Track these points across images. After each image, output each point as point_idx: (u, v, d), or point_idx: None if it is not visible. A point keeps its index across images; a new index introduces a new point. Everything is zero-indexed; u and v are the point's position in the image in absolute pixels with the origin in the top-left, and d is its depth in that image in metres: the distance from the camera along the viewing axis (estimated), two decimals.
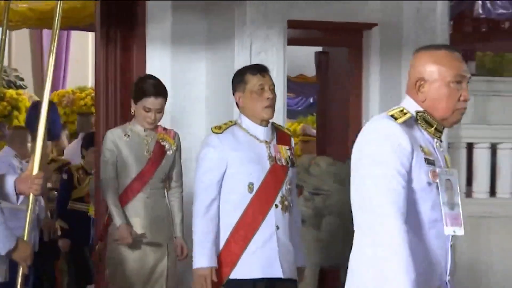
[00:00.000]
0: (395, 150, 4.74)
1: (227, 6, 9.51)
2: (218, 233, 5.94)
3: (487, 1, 11.63)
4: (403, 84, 9.10)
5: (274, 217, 5.88)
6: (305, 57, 14.46)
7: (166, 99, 7.45)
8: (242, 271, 5.88)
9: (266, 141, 6.01)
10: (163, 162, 7.25)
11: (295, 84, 16.36)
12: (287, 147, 6.06)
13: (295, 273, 6.14)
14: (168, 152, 7.30)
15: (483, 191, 10.83)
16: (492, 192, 10.88)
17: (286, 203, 5.93)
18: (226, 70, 9.06)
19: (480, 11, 11.78)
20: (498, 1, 11.54)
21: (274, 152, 5.96)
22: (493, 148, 10.99)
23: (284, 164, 6.02)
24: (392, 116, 4.87)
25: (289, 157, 6.07)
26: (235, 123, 6.09)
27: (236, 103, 6.27)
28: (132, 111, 7.33)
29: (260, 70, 6.24)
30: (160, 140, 7.28)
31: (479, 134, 10.88)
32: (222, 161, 5.93)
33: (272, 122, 6.24)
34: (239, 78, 6.24)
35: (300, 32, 10.44)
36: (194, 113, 9.18)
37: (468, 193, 10.79)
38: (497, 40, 15.13)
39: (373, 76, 9.97)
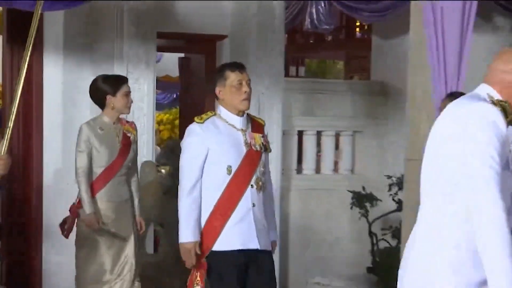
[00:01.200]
0: (497, 135, 4.91)
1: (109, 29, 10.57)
2: (200, 211, 6.36)
3: (315, 18, 12.85)
4: (256, 88, 10.26)
5: (250, 196, 6.32)
6: (171, 61, 16.13)
7: None
8: (222, 243, 6.28)
9: (242, 129, 6.44)
10: (130, 151, 7.77)
11: (162, 83, 17.68)
12: (260, 135, 6.51)
13: (270, 245, 6.61)
14: (132, 143, 7.86)
15: (310, 168, 12.43)
16: (318, 169, 12.47)
17: (260, 183, 6.42)
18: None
19: (309, 26, 13.00)
20: (323, 18, 12.80)
21: (249, 139, 6.42)
22: (318, 135, 12.49)
23: (258, 149, 6.46)
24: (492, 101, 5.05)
25: (262, 143, 6.52)
26: (215, 114, 6.48)
27: (216, 96, 6.60)
28: (111, 104, 7.65)
29: (239, 67, 6.59)
30: (126, 132, 7.76)
31: (307, 124, 12.34)
32: (204, 147, 6.32)
33: (247, 113, 6.63)
34: (219, 74, 6.58)
35: (167, 42, 11.77)
36: (82, 120, 8.93)
37: (299, 170, 12.34)
38: (322, 49, 16.52)
39: None
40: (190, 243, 6.26)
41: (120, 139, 7.74)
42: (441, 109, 8.17)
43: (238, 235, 6.36)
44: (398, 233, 10.34)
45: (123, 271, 7.88)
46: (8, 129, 5.63)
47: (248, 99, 6.52)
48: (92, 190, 7.69)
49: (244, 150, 6.42)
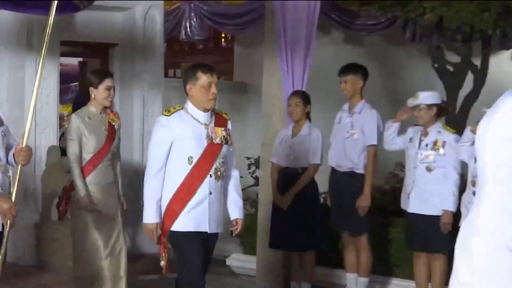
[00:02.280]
0: None
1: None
2: (161, 195, 6.12)
3: (189, 30, 12.73)
4: (141, 86, 10.79)
5: (208, 184, 6.07)
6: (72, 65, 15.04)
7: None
8: (179, 225, 6.05)
9: (205, 124, 6.15)
10: (115, 138, 7.38)
11: None
12: (223, 128, 6.24)
13: (221, 227, 6.36)
14: (117, 131, 7.46)
15: None
16: None
17: (219, 173, 6.15)
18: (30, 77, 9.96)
19: (184, 36, 12.85)
20: (195, 30, 12.72)
21: (211, 133, 6.14)
22: None
23: (219, 142, 6.18)
24: None
25: (224, 136, 6.23)
26: (182, 108, 6.20)
27: (186, 92, 6.27)
28: (93, 95, 7.26)
29: (210, 70, 6.34)
30: (111, 121, 7.35)
31: None
32: (169, 137, 6.06)
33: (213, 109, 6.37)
34: (192, 73, 6.27)
35: (69, 48, 11.69)
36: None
37: None
38: (194, 55, 16.00)
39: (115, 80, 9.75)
40: (153, 224, 6.11)
41: (106, 127, 7.37)
42: (289, 104, 8.80)
43: (193, 218, 6.15)
44: (255, 203, 10.31)
45: (116, 248, 7.51)
46: (28, 123, 5.54)
47: (215, 99, 6.37)
48: (82, 174, 7.34)
49: (205, 143, 6.19)
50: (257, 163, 11.06)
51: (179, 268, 6.27)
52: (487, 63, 11.46)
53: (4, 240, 5.23)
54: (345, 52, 11.37)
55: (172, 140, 6.08)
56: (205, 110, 6.23)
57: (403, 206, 8.42)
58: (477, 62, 11.39)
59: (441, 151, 8.13)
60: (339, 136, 8.78)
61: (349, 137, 8.70)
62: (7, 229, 5.23)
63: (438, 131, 8.24)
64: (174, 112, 6.18)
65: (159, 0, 11.57)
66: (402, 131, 8.46)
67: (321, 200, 9.31)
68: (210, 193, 6.14)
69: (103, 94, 7.23)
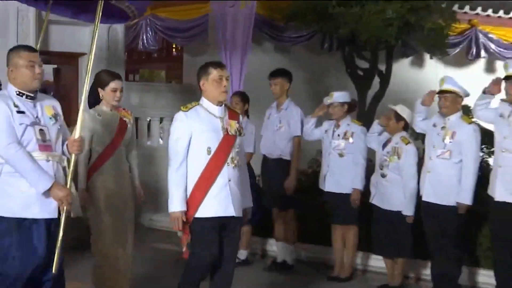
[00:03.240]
0: None
1: None
2: (186, 185, 5.67)
3: (145, 41, 12.45)
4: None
5: (226, 172, 5.65)
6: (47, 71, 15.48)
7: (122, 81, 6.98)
8: (203, 211, 5.61)
9: (220, 117, 5.73)
10: (126, 132, 6.84)
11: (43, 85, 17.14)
12: (236, 121, 5.82)
13: (241, 213, 5.92)
14: (128, 125, 6.93)
15: (145, 142, 12.22)
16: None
17: (235, 161, 5.74)
18: None
19: (141, 47, 12.57)
20: (151, 42, 12.49)
21: (226, 125, 5.73)
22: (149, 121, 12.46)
23: (233, 134, 5.77)
24: None
25: (237, 128, 5.82)
26: (198, 104, 5.80)
27: (200, 88, 5.87)
28: (101, 95, 6.74)
29: (220, 65, 5.94)
30: (122, 117, 6.86)
31: (142, 112, 12.15)
32: (188, 131, 5.63)
33: (224, 104, 5.93)
34: (204, 70, 5.84)
35: (45, 57, 11.11)
36: None
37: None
38: (150, 63, 16.24)
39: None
40: (178, 212, 5.63)
41: (117, 123, 6.81)
42: (230, 102, 8.64)
43: (215, 204, 5.68)
44: None
45: (127, 233, 6.92)
46: (80, 116, 5.20)
47: (227, 92, 5.96)
48: (96, 164, 6.75)
49: (221, 134, 5.74)
50: None
51: (194, 252, 5.76)
52: (391, 68, 11.63)
53: (61, 226, 4.91)
54: (274, 59, 11.45)
55: (191, 133, 5.67)
56: (219, 103, 5.81)
57: (320, 186, 8.49)
58: (383, 67, 11.55)
59: (350, 140, 8.23)
60: (269, 129, 8.85)
61: (277, 130, 8.77)
62: (63, 216, 4.92)
63: (348, 124, 8.35)
64: (191, 108, 5.80)
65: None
66: (320, 124, 8.51)
67: (257, 182, 9.30)
68: (229, 180, 5.73)
69: (110, 95, 6.77)
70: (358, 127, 8.37)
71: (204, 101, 5.84)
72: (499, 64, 13.20)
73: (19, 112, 4.82)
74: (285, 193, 8.63)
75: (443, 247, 7.42)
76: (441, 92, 7.49)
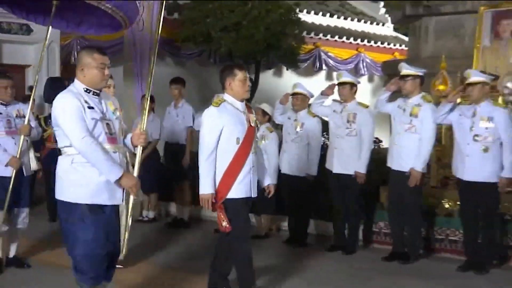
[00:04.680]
0: None
1: None
2: (215, 171, 5.08)
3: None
4: None
5: (251, 159, 5.16)
6: None
7: None
8: (235, 193, 5.10)
9: (243, 112, 5.19)
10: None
11: None
12: (253, 115, 5.31)
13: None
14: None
15: None
16: None
17: (256, 150, 5.31)
18: None
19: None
20: None
21: (248, 118, 5.21)
22: None
23: (254, 125, 5.26)
24: None
25: (255, 121, 5.33)
26: (224, 100, 5.19)
27: (224, 86, 5.22)
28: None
29: (244, 68, 5.36)
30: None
31: None
32: (220, 124, 5.05)
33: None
34: (230, 71, 5.21)
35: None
36: None
37: None
38: None
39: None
40: (208, 194, 5.06)
41: None
42: (141, 104, 8.64)
43: (243, 188, 5.14)
44: None
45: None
46: (144, 110, 4.69)
47: (249, 91, 5.41)
48: None
49: (246, 126, 5.17)
50: None
51: (236, 226, 5.19)
52: (258, 77, 11.78)
53: (129, 211, 4.36)
54: (173, 70, 11.37)
55: (222, 126, 5.07)
56: (242, 100, 5.25)
57: None
58: (252, 76, 11.62)
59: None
60: (170, 121, 8.84)
61: (175, 122, 8.77)
62: (131, 202, 4.37)
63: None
64: (220, 103, 5.18)
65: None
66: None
67: (161, 160, 9.25)
68: (252, 166, 5.21)
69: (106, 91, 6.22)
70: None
71: (229, 97, 5.21)
72: (335, 74, 13.58)
73: (89, 107, 4.22)
74: (182, 168, 8.63)
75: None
76: (294, 94, 7.60)
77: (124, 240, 4.33)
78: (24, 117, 5.94)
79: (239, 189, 5.11)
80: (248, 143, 5.16)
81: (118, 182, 4.19)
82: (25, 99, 7.18)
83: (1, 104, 5.83)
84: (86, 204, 4.16)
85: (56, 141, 7.10)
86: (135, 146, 4.47)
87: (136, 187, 4.28)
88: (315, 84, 11.02)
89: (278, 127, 8.21)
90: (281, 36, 10.97)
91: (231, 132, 5.06)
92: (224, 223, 5.13)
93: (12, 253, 6.23)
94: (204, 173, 5.08)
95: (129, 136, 4.47)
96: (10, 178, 5.73)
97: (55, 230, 7.61)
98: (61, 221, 4.32)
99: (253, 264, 5.30)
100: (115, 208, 4.32)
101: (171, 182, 8.98)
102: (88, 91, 4.29)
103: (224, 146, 5.07)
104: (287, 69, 13.10)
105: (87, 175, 4.16)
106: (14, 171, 5.72)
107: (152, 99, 8.99)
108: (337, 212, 7.33)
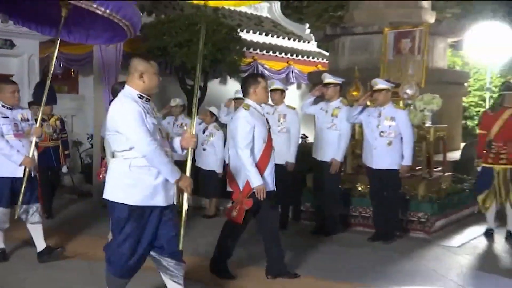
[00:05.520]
0: None
1: None
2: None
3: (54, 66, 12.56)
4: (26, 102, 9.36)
5: (272, 155, 4.93)
6: None
7: None
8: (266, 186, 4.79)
9: (263, 115, 5.01)
10: None
11: None
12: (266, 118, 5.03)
13: None
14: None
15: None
16: None
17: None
18: None
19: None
20: (56, 67, 11.02)
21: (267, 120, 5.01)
22: None
23: (269, 127, 5.01)
24: None
25: (268, 123, 5.04)
26: (250, 105, 4.88)
27: (248, 93, 4.91)
28: None
29: (264, 76, 5.13)
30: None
31: None
32: (252, 125, 4.77)
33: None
34: (254, 79, 4.93)
35: None
36: None
37: None
38: (57, 81, 15.75)
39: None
40: (262, 185, 4.76)
41: None
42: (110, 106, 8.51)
43: (269, 181, 4.89)
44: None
45: None
46: (194, 114, 4.29)
47: (269, 96, 5.22)
48: None
49: (267, 127, 4.95)
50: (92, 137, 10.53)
51: (265, 216, 4.97)
52: (207, 84, 11.81)
53: (185, 208, 3.96)
54: None
55: (253, 127, 4.80)
56: (262, 105, 5.00)
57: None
58: (202, 84, 11.64)
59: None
60: None
61: None
62: (185, 199, 3.97)
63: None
64: (249, 108, 4.88)
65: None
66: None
67: None
68: (273, 162, 4.97)
69: None
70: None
71: (252, 103, 4.91)
72: (270, 83, 13.71)
73: (147, 112, 3.78)
74: None
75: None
76: (236, 98, 7.68)
77: (181, 236, 3.92)
78: (28, 120, 5.52)
79: (267, 183, 4.86)
80: (270, 142, 4.94)
81: (168, 183, 3.80)
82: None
83: (8, 108, 5.38)
84: (139, 206, 3.75)
85: (50, 140, 7.42)
86: (184, 149, 4.03)
87: (191, 186, 3.90)
88: None
89: (223, 126, 8.32)
90: (226, 51, 11.11)
91: (259, 133, 4.80)
92: (234, 213, 4.86)
93: (40, 247, 5.59)
94: (251, 169, 4.74)
95: (177, 139, 4.05)
96: (21, 178, 5.26)
97: (51, 225, 7.06)
98: (112, 220, 3.87)
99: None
100: (171, 207, 3.89)
101: None
102: (141, 97, 3.84)
103: (254, 145, 4.80)
104: (230, 78, 13.16)
105: (143, 178, 3.73)
106: (27, 170, 5.25)
107: None
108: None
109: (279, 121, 7.15)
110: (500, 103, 6.73)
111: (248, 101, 4.94)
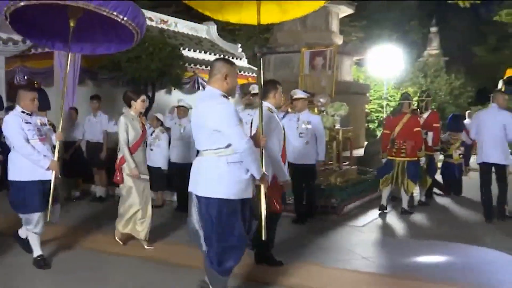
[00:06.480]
0: None
1: None
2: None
3: (17, 78, 10.94)
4: None
5: (286, 154, 4.58)
6: None
7: None
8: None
9: (280, 118, 4.63)
10: (146, 132, 5.45)
11: None
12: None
13: None
14: (146, 127, 5.58)
15: None
16: None
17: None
18: None
19: (16, 82, 10.87)
20: (20, 79, 10.98)
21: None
22: None
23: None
24: None
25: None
26: (271, 108, 4.48)
27: (268, 97, 4.48)
28: (134, 106, 5.28)
29: (280, 83, 4.68)
30: (142, 121, 5.39)
31: None
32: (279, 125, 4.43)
33: None
34: (274, 86, 4.54)
35: None
36: None
37: None
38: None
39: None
40: (289, 179, 4.43)
41: (140, 125, 5.34)
42: (70, 112, 8.19)
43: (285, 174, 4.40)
44: None
45: (147, 201, 5.41)
46: (259, 118, 3.82)
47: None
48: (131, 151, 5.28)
49: (282, 129, 4.51)
50: None
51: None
52: (154, 95, 11.62)
53: (263, 201, 3.60)
54: (92, 90, 10.96)
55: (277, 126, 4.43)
56: (278, 108, 4.68)
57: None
58: (150, 94, 11.44)
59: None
60: (90, 126, 8.55)
61: (95, 127, 8.49)
62: (263, 193, 3.61)
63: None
64: (272, 110, 4.49)
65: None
66: None
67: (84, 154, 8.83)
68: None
69: (141, 105, 5.32)
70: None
71: (272, 106, 4.49)
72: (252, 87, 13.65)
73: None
74: (100, 159, 8.37)
75: None
76: (178, 106, 7.64)
77: (263, 227, 3.60)
78: (46, 125, 4.92)
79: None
80: (284, 143, 4.53)
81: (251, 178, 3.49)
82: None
83: (27, 114, 4.73)
84: (239, 200, 3.44)
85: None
86: (257, 147, 3.65)
87: (267, 183, 3.65)
88: (194, 99, 11.04)
89: (168, 129, 8.21)
90: (170, 66, 11.01)
91: (277, 134, 4.43)
92: (277, 205, 4.46)
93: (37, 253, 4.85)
94: (282, 164, 4.32)
95: None
96: (50, 181, 4.64)
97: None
98: (211, 217, 3.42)
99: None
100: (249, 200, 3.55)
101: (92, 170, 8.65)
102: (226, 97, 3.52)
103: (276, 144, 4.39)
104: (174, 89, 13.00)
105: (238, 174, 3.43)
106: (54, 173, 4.63)
107: (76, 110, 8.74)
108: None
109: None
110: (400, 110, 7.11)
111: (268, 104, 4.46)
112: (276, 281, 4.27)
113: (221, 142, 3.37)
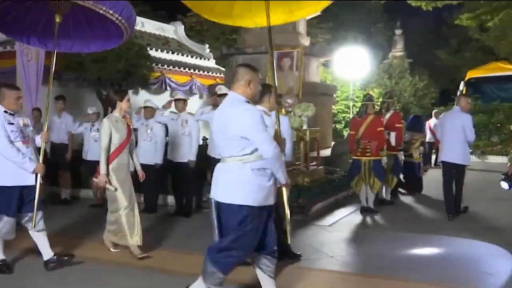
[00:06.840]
0: None
1: None
2: None
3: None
4: None
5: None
6: None
7: None
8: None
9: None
10: (131, 134, 5.13)
11: None
12: None
13: None
14: (132, 129, 5.20)
15: None
16: None
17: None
18: None
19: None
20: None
21: None
22: None
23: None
24: None
25: None
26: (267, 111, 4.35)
27: (263, 100, 4.35)
28: (120, 106, 5.00)
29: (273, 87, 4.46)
30: (128, 123, 5.09)
31: None
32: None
33: None
34: (268, 89, 4.40)
35: None
36: None
37: None
38: None
39: None
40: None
41: (125, 127, 5.06)
42: (32, 113, 8.05)
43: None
44: None
45: (133, 198, 5.08)
46: (275, 121, 3.78)
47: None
48: (110, 158, 4.98)
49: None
50: None
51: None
52: (133, 96, 11.52)
53: (286, 207, 3.60)
54: (58, 90, 10.74)
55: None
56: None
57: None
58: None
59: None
60: (55, 127, 8.34)
61: (60, 127, 8.33)
62: (286, 199, 3.63)
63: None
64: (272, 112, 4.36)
65: None
66: None
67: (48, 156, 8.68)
68: None
69: (126, 104, 5.07)
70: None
71: (266, 110, 4.34)
72: (175, 93, 13.64)
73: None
74: (65, 161, 8.30)
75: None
76: (145, 107, 7.56)
77: (288, 232, 3.62)
78: (29, 126, 4.66)
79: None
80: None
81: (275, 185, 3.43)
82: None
83: (10, 114, 4.44)
84: (257, 207, 3.36)
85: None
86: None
87: (289, 188, 3.61)
88: (161, 100, 10.97)
89: (135, 130, 8.13)
90: (137, 66, 10.91)
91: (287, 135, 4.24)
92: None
93: (47, 255, 4.68)
94: (283, 167, 3.87)
95: None
96: (29, 187, 4.45)
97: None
98: (232, 225, 3.36)
99: None
100: (271, 207, 3.49)
101: (57, 172, 8.48)
102: (248, 102, 3.44)
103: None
104: (141, 89, 12.90)
105: (262, 180, 3.36)
106: (39, 176, 4.43)
107: (40, 111, 8.54)
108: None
109: (182, 125, 7.13)
110: (364, 111, 7.16)
111: (263, 108, 4.34)
112: (235, 279, 4.11)
113: (247, 148, 3.34)
